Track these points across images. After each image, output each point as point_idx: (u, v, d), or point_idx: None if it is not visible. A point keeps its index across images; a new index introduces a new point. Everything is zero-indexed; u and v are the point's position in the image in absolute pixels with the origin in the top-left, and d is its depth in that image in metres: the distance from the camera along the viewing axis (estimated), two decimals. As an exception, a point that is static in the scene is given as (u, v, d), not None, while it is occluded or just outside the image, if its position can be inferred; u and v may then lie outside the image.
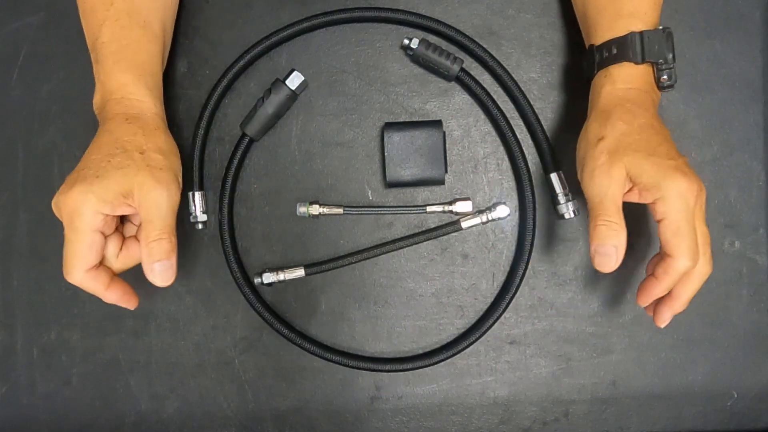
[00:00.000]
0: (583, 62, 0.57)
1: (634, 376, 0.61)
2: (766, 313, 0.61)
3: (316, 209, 0.59)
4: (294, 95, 0.58)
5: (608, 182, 0.48)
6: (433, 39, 0.60)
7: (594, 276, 0.60)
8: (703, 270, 0.49)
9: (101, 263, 0.49)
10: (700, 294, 0.60)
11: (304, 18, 0.59)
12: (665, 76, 0.51)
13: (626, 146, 0.48)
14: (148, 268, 0.48)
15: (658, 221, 0.48)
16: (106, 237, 0.49)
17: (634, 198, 0.49)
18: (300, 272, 0.58)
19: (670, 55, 0.51)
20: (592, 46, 0.54)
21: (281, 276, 0.58)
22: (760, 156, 0.61)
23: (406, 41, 0.59)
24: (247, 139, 0.59)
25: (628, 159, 0.48)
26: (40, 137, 0.61)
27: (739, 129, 0.60)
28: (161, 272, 0.48)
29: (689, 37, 0.60)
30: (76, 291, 0.60)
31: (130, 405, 0.61)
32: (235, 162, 0.59)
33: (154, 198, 0.48)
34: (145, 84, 0.52)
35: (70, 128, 0.60)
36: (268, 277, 0.58)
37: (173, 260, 0.49)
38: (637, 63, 0.51)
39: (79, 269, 0.47)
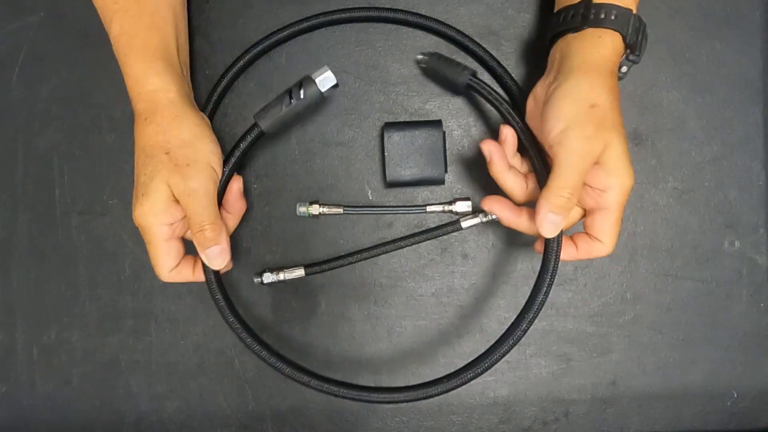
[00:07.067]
0: (569, 11, 0.51)
1: (634, 376, 0.61)
2: (766, 313, 0.61)
3: (316, 209, 0.59)
4: (323, 99, 0.54)
5: (585, 155, 0.46)
6: (443, 51, 0.59)
7: (594, 276, 0.60)
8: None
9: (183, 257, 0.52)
10: (700, 294, 0.61)
11: (304, 18, 0.59)
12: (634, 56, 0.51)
13: (611, 122, 0.47)
14: (202, 256, 0.51)
15: (599, 208, 0.49)
16: (183, 236, 0.52)
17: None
18: (300, 272, 0.58)
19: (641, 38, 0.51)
20: (589, 1, 0.50)
21: (281, 276, 0.58)
22: (760, 156, 0.61)
23: (420, 57, 0.58)
24: (257, 131, 0.53)
25: (609, 136, 0.46)
26: (40, 137, 0.61)
27: (739, 129, 0.60)
28: (214, 257, 0.51)
29: (689, 37, 0.60)
30: (76, 291, 0.60)
31: (130, 405, 0.61)
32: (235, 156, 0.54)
33: (188, 193, 0.49)
34: (155, 70, 0.51)
35: (70, 128, 0.60)
36: (268, 277, 0.58)
37: (223, 244, 0.51)
38: (624, 36, 0.49)
39: (165, 272, 0.51)
